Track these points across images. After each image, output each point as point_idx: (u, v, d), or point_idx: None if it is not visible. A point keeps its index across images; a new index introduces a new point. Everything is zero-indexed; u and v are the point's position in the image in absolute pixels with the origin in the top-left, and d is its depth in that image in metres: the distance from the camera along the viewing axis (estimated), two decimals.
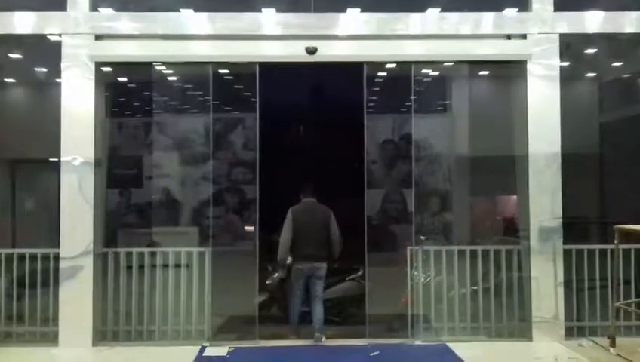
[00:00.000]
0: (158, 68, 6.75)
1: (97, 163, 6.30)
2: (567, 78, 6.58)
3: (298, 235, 6.31)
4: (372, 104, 6.51)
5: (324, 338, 6.34)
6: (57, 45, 6.30)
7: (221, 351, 6.03)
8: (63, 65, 6.29)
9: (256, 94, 6.34)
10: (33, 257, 6.29)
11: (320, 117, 12.61)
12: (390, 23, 6.39)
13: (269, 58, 6.49)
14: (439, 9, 6.59)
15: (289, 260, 6.63)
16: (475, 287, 6.43)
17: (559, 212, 6.29)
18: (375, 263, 6.43)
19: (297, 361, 5.97)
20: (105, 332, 6.35)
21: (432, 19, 6.51)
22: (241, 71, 6.47)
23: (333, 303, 7.39)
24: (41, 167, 6.88)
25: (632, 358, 5.59)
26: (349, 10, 6.54)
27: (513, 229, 6.75)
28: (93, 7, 6.41)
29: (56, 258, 6.17)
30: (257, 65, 6.33)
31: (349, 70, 6.50)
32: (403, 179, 6.59)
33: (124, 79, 6.85)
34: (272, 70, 6.39)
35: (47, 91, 6.95)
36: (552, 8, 6.43)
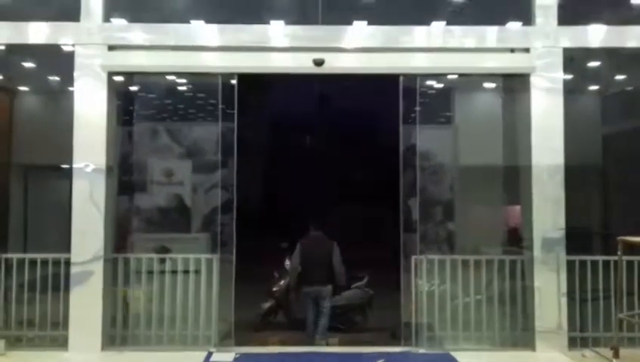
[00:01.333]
0: (169, 77, 6.85)
1: (108, 170, 6.38)
2: (571, 91, 6.63)
3: (304, 264, 7.11)
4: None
5: (325, 344, 6.77)
6: (70, 55, 6.40)
7: (228, 356, 6.08)
8: (75, 74, 6.38)
9: (234, 105, 6.45)
10: (44, 262, 6.35)
11: (338, 128, 12.77)
12: (396, 36, 6.49)
13: (277, 69, 6.57)
14: (444, 22, 6.69)
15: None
16: (479, 297, 6.48)
17: (562, 223, 6.32)
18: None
19: None
20: (114, 337, 6.42)
21: (437, 32, 6.60)
22: (251, 81, 6.56)
23: (338, 311, 7.46)
24: (53, 173, 6.96)
25: None
26: (355, 23, 6.65)
27: (517, 239, 6.79)
28: (106, 18, 6.52)
29: (67, 263, 6.24)
30: (236, 76, 6.44)
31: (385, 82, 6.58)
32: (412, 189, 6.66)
33: (136, 88, 6.95)
34: (279, 81, 6.45)
35: (59, 100, 7.04)
36: (555, 22, 6.49)
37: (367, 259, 7.82)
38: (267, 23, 6.65)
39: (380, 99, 6.66)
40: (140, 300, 6.42)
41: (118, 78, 6.70)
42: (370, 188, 12.27)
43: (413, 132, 6.66)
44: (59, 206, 6.54)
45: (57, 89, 7.20)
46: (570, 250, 6.33)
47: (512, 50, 6.61)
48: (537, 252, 6.33)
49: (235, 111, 6.45)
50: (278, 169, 13.45)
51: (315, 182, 12.22)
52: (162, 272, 6.48)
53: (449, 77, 6.84)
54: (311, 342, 6.83)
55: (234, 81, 6.45)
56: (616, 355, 5.87)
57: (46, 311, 6.35)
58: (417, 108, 6.58)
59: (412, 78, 6.55)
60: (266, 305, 7.51)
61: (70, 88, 6.46)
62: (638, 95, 7.54)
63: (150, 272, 6.44)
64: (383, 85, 6.54)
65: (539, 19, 6.51)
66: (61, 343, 6.23)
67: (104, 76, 6.40)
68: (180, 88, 6.93)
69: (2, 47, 6.68)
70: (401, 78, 6.50)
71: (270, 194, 13.61)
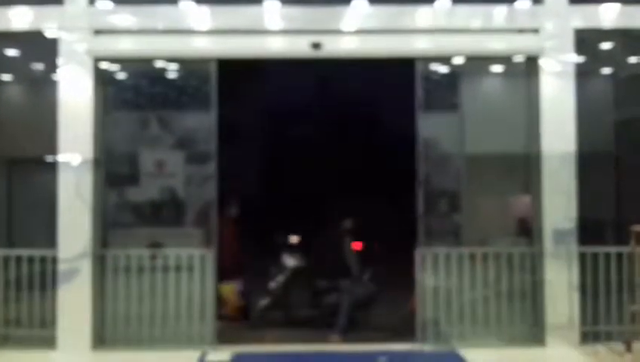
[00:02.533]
0: (158, 63, 6.56)
1: (96, 162, 6.16)
2: (582, 74, 6.38)
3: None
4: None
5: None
6: (55, 41, 6.17)
7: (223, 356, 5.90)
8: (60, 61, 6.16)
9: (216, 92, 6.26)
10: (31, 259, 6.14)
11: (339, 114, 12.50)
12: (397, 17, 6.22)
13: (272, 54, 6.35)
14: (449, 2, 6.38)
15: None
16: (487, 291, 6.24)
17: (574, 213, 6.11)
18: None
19: None
20: (104, 337, 6.20)
21: (440, 12, 6.32)
22: (245, 67, 6.28)
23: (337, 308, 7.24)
24: (39, 166, 6.74)
25: None
26: (354, 3, 6.34)
27: (526, 231, 6.54)
28: (92, 1, 6.26)
29: (55, 260, 6.04)
30: (217, 62, 6.23)
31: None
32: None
33: (123, 75, 6.65)
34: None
35: (44, 88, 6.80)
36: (566, 1, 6.24)
37: (370, 253, 7.59)
38: (260, 4, 6.34)
39: (381, 84, 6.36)
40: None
41: (106, 65, 6.41)
42: (370, 179, 12.00)
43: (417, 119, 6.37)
44: (45, 200, 6.31)
45: (41, 77, 6.97)
46: (582, 242, 6.11)
47: (521, 31, 6.33)
48: (548, 244, 6.12)
49: (216, 99, 6.23)
50: (275, 159, 13.18)
51: (314, 173, 11.96)
52: (153, 269, 6.23)
53: (454, 60, 6.53)
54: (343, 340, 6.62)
55: (217, 67, 6.19)
56: (629, 349, 5.73)
57: (33, 310, 6.15)
58: (421, 94, 6.29)
59: (414, 61, 6.29)
60: (264, 302, 7.28)
61: (54, 76, 6.23)
62: None
63: (141, 269, 6.19)
64: (385, 69, 6.25)
65: None
66: (49, 343, 6.05)
67: (90, 63, 6.18)
68: (170, 74, 6.62)
69: None
70: (416, 62, 6.26)
71: (266, 187, 13.33)
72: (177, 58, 6.44)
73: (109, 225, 6.41)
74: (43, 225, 6.38)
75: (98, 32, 6.22)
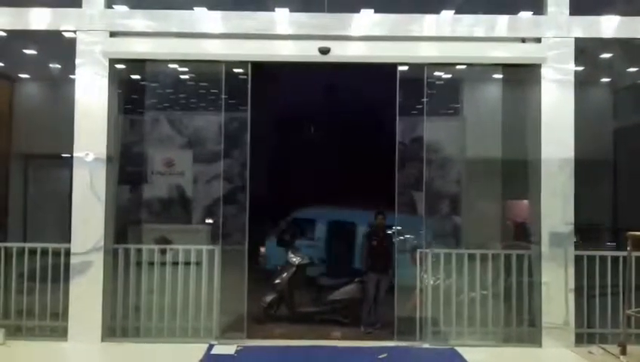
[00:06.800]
0: (171, 65, 6.74)
1: (109, 159, 6.32)
2: (582, 83, 6.51)
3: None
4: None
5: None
6: (72, 42, 6.33)
7: (229, 349, 6.04)
8: (77, 61, 6.32)
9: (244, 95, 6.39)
10: (44, 252, 6.30)
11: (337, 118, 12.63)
12: (403, 24, 6.37)
13: (282, 57, 6.49)
14: (453, 11, 6.55)
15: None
16: (485, 292, 6.38)
17: (571, 217, 6.23)
18: None
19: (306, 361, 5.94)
20: (114, 328, 6.36)
21: (446, 21, 6.47)
22: (255, 70, 6.45)
23: (341, 305, 7.40)
24: (54, 162, 6.90)
25: None
26: (362, 10, 6.51)
27: (524, 234, 6.68)
28: (108, 4, 6.44)
29: (67, 253, 6.19)
30: (250, 65, 6.36)
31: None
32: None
33: (138, 76, 6.84)
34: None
35: (61, 87, 6.97)
36: (567, 12, 6.38)
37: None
38: (272, 10, 6.53)
39: (384, 88, 6.53)
40: None
41: (120, 66, 6.59)
42: (371, 181, 12.12)
43: (420, 123, 6.53)
44: (59, 195, 6.47)
45: (58, 77, 7.13)
46: (578, 245, 6.24)
47: (523, 40, 6.48)
48: (545, 247, 6.24)
49: (249, 102, 6.33)
50: (282, 161, 13.35)
51: (319, 174, 12.10)
52: (163, 264, 6.40)
53: (458, 67, 6.68)
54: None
55: (237, 70, 6.32)
56: (623, 352, 5.82)
57: (46, 301, 6.30)
58: (425, 99, 6.45)
59: (420, 67, 6.43)
60: (269, 297, 7.45)
61: (72, 76, 6.39)
62: None
63: (151, 263, 6.36)
64: (387, 74, 6.40)
65: (551, 8, 6.39)
66: (61, 333, 6.20)
67: (106, 63, 6.34)
68: (183, 76, 6.80)
69: (3, 34, 6.58)
70: (398, 68, 6.41)
71: (269, 184, 13.50)
72: (190, 60, 6.60)
73: (122, 220, 6.57)
74: (57, 219, 6.51)
75: (114, 34, 6.40)
